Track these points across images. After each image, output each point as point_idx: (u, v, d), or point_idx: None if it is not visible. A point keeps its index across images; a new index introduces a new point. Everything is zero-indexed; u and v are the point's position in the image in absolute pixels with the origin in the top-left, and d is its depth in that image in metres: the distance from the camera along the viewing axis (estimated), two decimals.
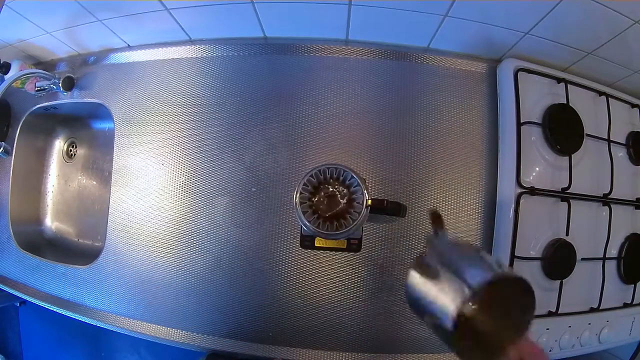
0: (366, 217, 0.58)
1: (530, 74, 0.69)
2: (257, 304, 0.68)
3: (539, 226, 0.66)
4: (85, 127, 0.99)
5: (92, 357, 1.50)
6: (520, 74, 0.68)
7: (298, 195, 0.58)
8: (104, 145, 0.97)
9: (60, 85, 0.81)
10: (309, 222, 0.57)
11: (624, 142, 0.76)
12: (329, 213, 0.59)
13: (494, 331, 0.36)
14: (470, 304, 0.34)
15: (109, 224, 0.75)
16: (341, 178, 0.59)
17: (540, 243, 0.66)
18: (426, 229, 0.67)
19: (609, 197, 0.70)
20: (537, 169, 0.67)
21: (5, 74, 0.81)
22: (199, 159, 0.72)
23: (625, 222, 0.74)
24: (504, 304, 0.36)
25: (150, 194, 0.74)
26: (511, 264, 0.63)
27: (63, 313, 0.77)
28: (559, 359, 0.68)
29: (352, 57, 0.71)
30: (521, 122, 0.66)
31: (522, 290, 0.35)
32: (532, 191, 0.64)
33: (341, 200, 0.59)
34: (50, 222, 0.97)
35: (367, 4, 0.64)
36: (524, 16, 0.63)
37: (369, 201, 0.57)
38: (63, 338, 1.52)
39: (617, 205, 0.72)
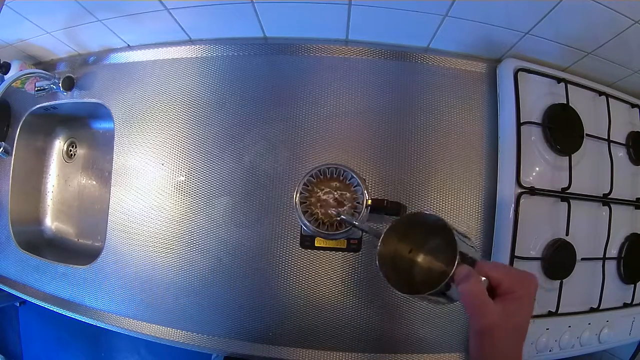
0: (366, 217, 0.58)
1: (530, 74, 0.69)
2: (257, 304, 0.68)
3: (539, 226, 0.66)
4: (85, 127, 0.99)
5: (92, 357, 1.51)
6: (520, 74, 0.68)
7: (298, 195, 0.58)
8: (104, 145, 0.97)
9: (60, 85, 0.81)
10: (309, 222, 0.57)
11: (624, 142, 0.76)
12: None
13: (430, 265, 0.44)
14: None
15: (109, 224, 0.75)
16: (341, 178, 0.59)
17: (540, 243, 0.66)
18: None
19: (609, 197, 0.70)
20: (537, 169, 0.67)
21: (5, 74, 0.81)
22: (199, 159, 0.72)
23: (625, 222, 0.74)
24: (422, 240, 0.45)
25: (150, 194, 0.74)
26: (511, 264, 0.63)
27: (63, 313, 0.77)
28: (559, 359, 0.68)
29: (352, 57, 0.71)
30: (521, 122, 0.66)
31: (427, 225, 0.42)
32: (532, 191, 0.64)
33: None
34: (50, 222, 0.97)
35: (367, 4, 0.64)
36: (524, 16, 0.63)
37: (369, 201, 0.57)
38: (63, 338, 1.53)
39: (617, 205, 0.72)
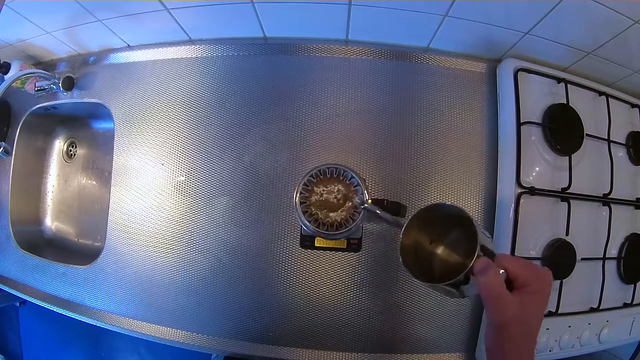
0: (366, 217, 0.58)
1: (530, 74, 0.69)
2: (257, 304, 0.68)
3: (539, 226, 0.66)
4: (85, 127, 0.99)
5: (92, 357, 1.51)
6: (520, 74, 0.68)
7: (298, 195, 0.58)
8: (104, 145, 0.97)
9: (60, 85, 0.81)
10: (309, 222, 0.57)
11: (624, 142, 0.76)
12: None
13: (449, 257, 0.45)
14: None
15: (109, 224, 0.75)
16: (341, 178, 0.59)
17: (540, 243, 0.66)
18: None
19: (609, 197, 0.70)
20: (537, 169, 0.67)
21: (5, 74, 0.81)
22: (199, 159, 0.72)
23: (625, 222, 0.74)
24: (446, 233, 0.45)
25: (150, 194, 0.74)
26: None
27: (63, 313, 0.77)
28: (559, 359, 0.68)
29: (352, 57, 0.71)
30: (521, 122, 0.66)
31: (452, 217, 0.42)
32: (532, 191, 0.64)
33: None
34: (50, 222, 0.97)
35: (367, 4, 0.64)
36: (524, 16, 0.63)
37: (369, 201, 0.57)
38: (63, 338, 1.52)
39: (617, 205, 0.72)
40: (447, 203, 0.43)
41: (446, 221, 0.44)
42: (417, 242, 0.45)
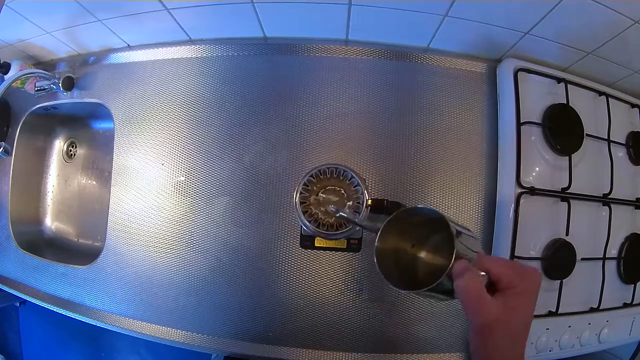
0: (366, 217, 0.58)
1: (530, 74, 0.69)
2: (257, 304, 0.68)
3: (539, 226, 0.66)
4: (85, 127, 0.99)
5: (92, 357, 1.51)
6: (520, 74, 0.68)
7: (298, 195, 0.58)
8: (104, 145, 0.97)
9: (60, 85, 0.81)
10: (308, 222, 0.57)
11: (624, 142, 0.76)
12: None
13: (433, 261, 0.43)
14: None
15: (109, 224, 0.75)
16: (341, 178, 0.59)
17: (540, 243, 0.66)
18: None
19: (609, 197, 0.70)
20: (537, 169, 0.67)
21: (5, 74, 0.81)
22: (199, 159, 0.72)
23: (625, 222, 0.74)
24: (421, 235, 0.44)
25: (150, 194, 0.74)
26: None
27: (63, 313, 0.77)
28: (559, 359, 0.68)
29: (352, 57, 0.71)
30: (521, 122, 0.66)
31: (428, 220, 0.41)
32: (532, 191, 0.64)
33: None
34: (50, 222, 0.97)
35: (367, 4, 0.64)
36: (524, 16, 0.63)
37: (369, 201, 0.57)
38: (63, 338, 1.53)
39: (617, 205, 0.72)
40: (420, 206, 0.42)
41: (429, 224, 0.43)
42: (398, 247, 0.43)
